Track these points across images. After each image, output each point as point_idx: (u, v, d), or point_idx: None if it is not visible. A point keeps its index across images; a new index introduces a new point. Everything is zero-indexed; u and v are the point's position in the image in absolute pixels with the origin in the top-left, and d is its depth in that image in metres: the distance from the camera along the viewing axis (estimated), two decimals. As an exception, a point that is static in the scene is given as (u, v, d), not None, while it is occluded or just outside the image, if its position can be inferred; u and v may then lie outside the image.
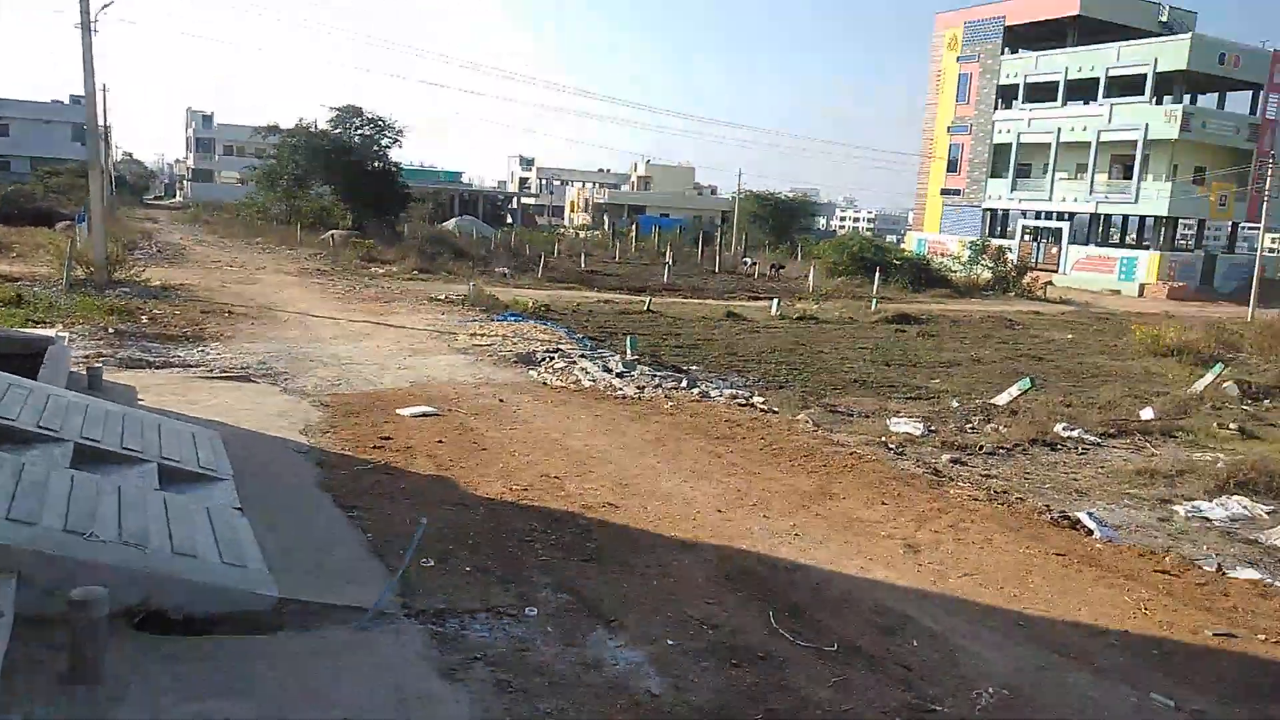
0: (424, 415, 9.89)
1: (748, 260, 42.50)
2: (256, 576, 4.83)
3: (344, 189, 42.15)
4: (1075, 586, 6.37)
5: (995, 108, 50.04)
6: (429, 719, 4.00)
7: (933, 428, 11.13)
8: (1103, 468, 9.91)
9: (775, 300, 25.27)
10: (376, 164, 42.75)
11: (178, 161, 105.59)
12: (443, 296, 22.02)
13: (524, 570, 5.83)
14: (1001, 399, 12.75)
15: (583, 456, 8.70)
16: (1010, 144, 48.75)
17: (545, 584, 5.66)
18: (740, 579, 6.02)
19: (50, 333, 9.55)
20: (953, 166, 52.46)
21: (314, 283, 24.47)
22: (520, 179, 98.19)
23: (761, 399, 12.41)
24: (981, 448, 10.31)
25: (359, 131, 42.70)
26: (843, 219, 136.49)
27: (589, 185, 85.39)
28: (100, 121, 60.19)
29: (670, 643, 5.04)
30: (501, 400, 11.04)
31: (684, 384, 12.60)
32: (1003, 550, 7.00)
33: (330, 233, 37.31)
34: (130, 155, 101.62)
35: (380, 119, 42.95)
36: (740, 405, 11.75)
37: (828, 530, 7.15)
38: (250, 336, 15.13)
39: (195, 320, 16.30)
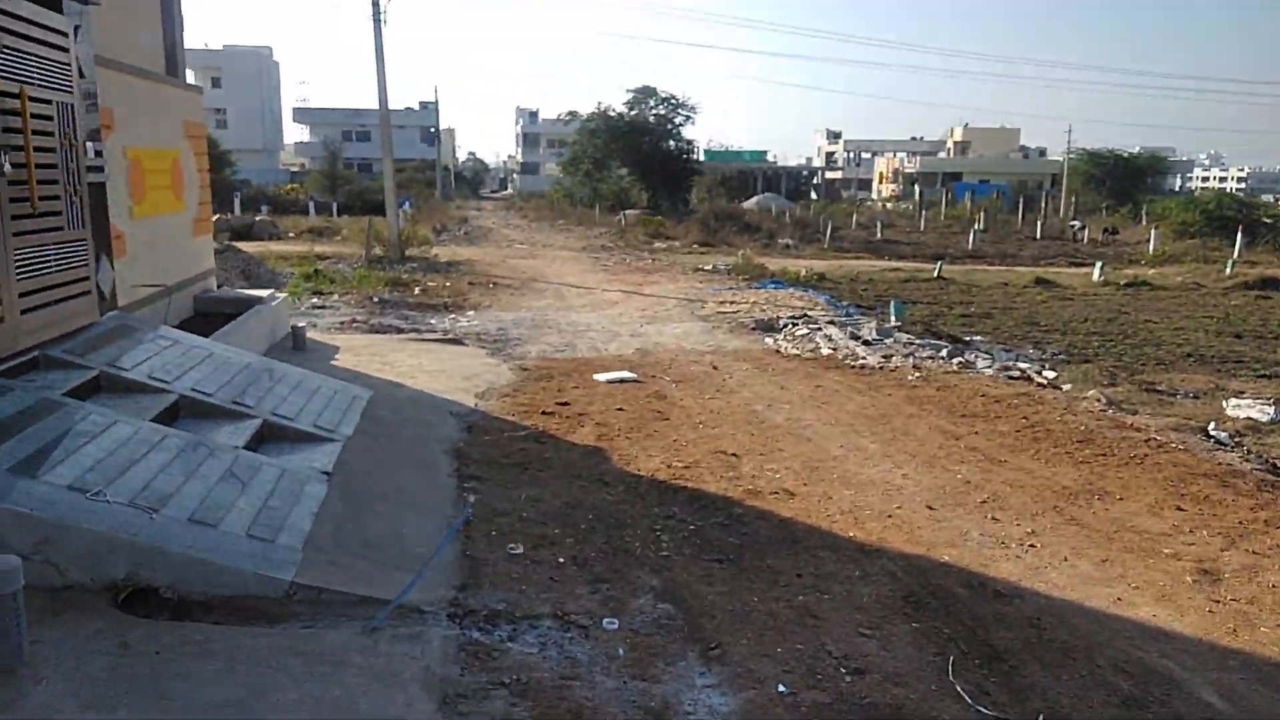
0: (620, 381, 8.91)
1: (1076, 223, 37.51)
2: (279, 555, 4.03)
3: (639, 169, 42.78)
4: None
5: None
6: (383, 768, 2.91)
7: (1288, 412, 8.32)
8: None
9: (1098, 265, 21.62)
10: (670, 143, 42.91)
11: (510, 157, 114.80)
12: (709, 267, 21.10)
13: (630, 568, 4.58)
14: (1399, 376, 9.41)
15: (779, 432, 7.22)
16: None
17: (648, 588, 4.37)
18: (925, 603, 4.34)
19: (264, 293, 9.74)
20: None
21: (592, 257, 24.61)
22: (826, 153, 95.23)
23: (1053, 373, 10.12)
24: (1360, 440, 7.46)
25: (653, 111, 43.07)
26: (1205, 178, 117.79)
27: (898, 155, 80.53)
28: (440, 124, 66.67)
29: (781, 689, 3.56)
30: (715, 367, 9.78)
31: (943, 353, 10.55)
32: (1368, 590, 4.63)
33: (624, 212, 37.97)
34: (473, 154, 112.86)
35: (673, 97, 43.07)
36: (1011, 379, 9.55)
37: (1080, 542, 5.16)
38: (505, 305, 15.17)
39: (460, 291, 16.68)
